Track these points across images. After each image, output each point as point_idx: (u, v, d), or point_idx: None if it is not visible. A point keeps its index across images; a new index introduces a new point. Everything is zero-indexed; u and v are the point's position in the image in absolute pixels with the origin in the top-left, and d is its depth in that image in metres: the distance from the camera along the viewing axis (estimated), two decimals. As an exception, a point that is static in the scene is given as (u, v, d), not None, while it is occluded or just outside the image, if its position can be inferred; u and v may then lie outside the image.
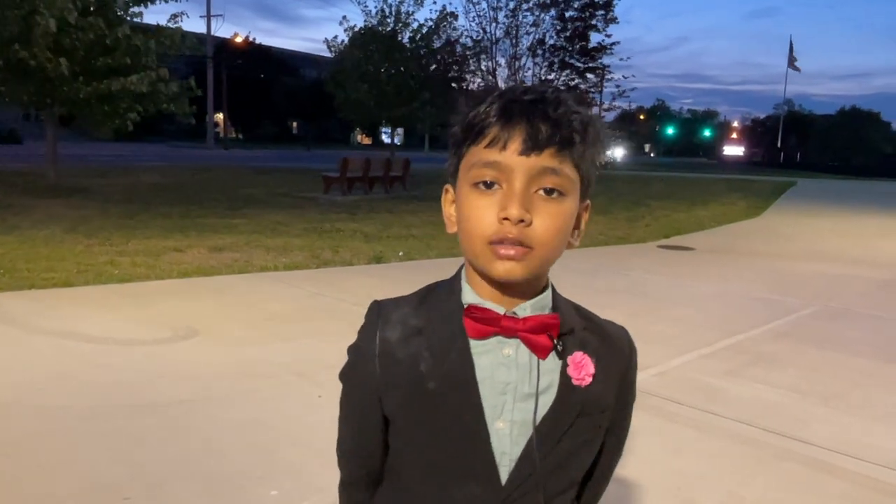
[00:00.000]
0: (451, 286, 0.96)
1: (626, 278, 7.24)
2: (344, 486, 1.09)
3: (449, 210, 0.95)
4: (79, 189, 13.54)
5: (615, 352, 0.99)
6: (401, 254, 7.92)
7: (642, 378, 4.01)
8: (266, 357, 4.14)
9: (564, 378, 0.91)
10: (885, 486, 2.89)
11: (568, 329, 0.93)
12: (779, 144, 62.15)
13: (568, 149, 0.85)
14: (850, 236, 11.90)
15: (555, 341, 0.90)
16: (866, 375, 4.33)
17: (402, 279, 6.41)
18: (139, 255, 7.02)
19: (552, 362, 0.91)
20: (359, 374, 0.97)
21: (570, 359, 0.92)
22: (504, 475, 0.90)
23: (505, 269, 0.85)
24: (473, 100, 0.90)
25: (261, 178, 19.59)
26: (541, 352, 0.90)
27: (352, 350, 0.99)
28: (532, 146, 0.83)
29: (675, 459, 3.06)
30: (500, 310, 0.90)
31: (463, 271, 0.95)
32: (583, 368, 0.92)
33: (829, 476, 2.95)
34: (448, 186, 0.95)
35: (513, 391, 0.90)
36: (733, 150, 78.56)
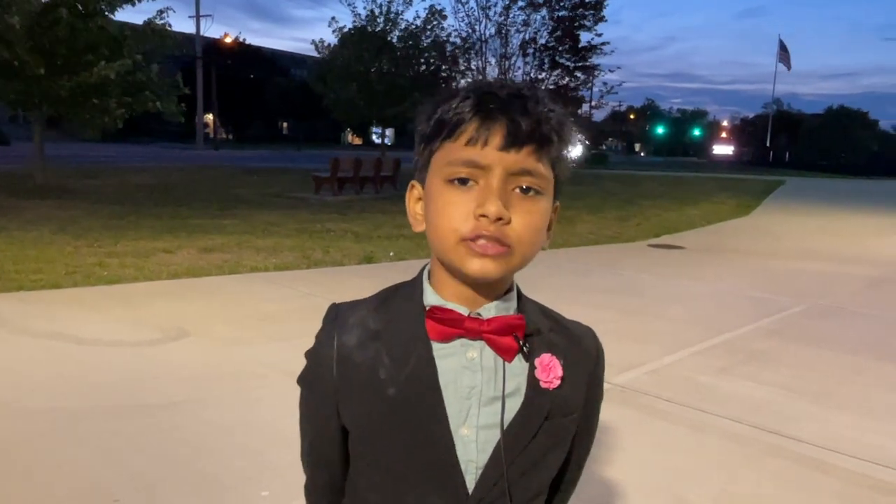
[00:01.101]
0: (412, 288, 0.92)
1: (617, 277, 7.25)
2: (307, 492, 1.06)
3: (415, 208, 0.91)
4: (67, 190, 13.45)
5: (582, 353, 0.95)
6: (391, 254, 7.91)
7: (634, 376, 4.02)
8: (257, 358, 4.12)
9: (532, 381, 0.88)
10: (876, 482, 2.90)
11: (534, 330, 0.89)
12: (768, 143, 62.45)
13: (546, 147, 0.82)
14: (839, 234, 11.97)
15: (520, 342, 0.87)
16: (856, 373, 4.36)
17: (393, 279, 6.32)
18: (128, 257, 6.97)
19: (518, 365, 0.88)
20: (316, 380, 0.94)
21: (537, 361, 0.88)
22: (470, 484, 0.86)
23: (480, 266, 0.81)
24: (441, 95, 0.87)
25: (251, 178, 19.52)
26: (506, 353, 0.86)
27: (309, 355, 0.95)
28: (513, 142, 0.80)
29: (667, 457, 3.07)
30: (464, 311, 0.86)
31: (425, 272, 0.92)
32: (551, 371, 0.88)
33: (819, 473, 2.96)
34: (414, 183, 0.91)
35: (478, 395, 0.86)
36: (723, 150, 78.83)
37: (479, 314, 0.87)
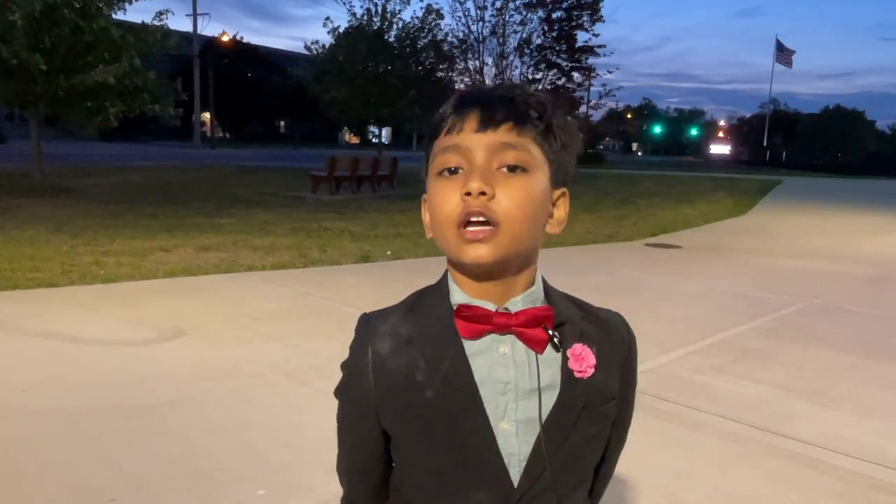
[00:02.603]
0: (438, 289, 0.93)
1: (613, 276, 7.26)
2: (347, 502, 1.07)
3: (425, 216, 0.94)
4: (64, 189, 13.42)
5: (614, 339, 0.97)
6: (388, 253, 7.91)
7: (630, 375, 4.03)
8: (253, 357, 4.11)
9: (566, 372, 0.89)
10: (871, 480, 2.91)
11: (563, 320, 0.90)
12: (765, 143, 62.58)
13: (525, 124, 0.84)
14: (835, 234, 12.00)
15: (551, 333, 0.88)
16: (852, 371, 4.37)
17: (390, 278, 6.40)
18: (125, 255, 6.97)
19: (551, 357, 0.89)
20: (354, 391, 0.95)
21: (569, 352, 0.89)
22: (515, 477, 0.87)
23: (474, 252, 0.83)
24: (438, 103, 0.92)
25: (248, 177, 19.51)
26: (537, 345, 0.87)
27: (345, 366, 0.96)
28: (487, 123, 0.84)
29: (663, 456, 3.07)
30: (492, 307, 0.87)
31: (449, 273, 0.93)
32: (584, 360, 0.89)
33: (814, 471, 2.97)
34: (425, 196, 0.94)
35: (513, 390, 0.87)
36: (720, 149, 78.99)
37: (506, 309, 0.88)
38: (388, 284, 6.02)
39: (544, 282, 0.94)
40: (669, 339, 4.86)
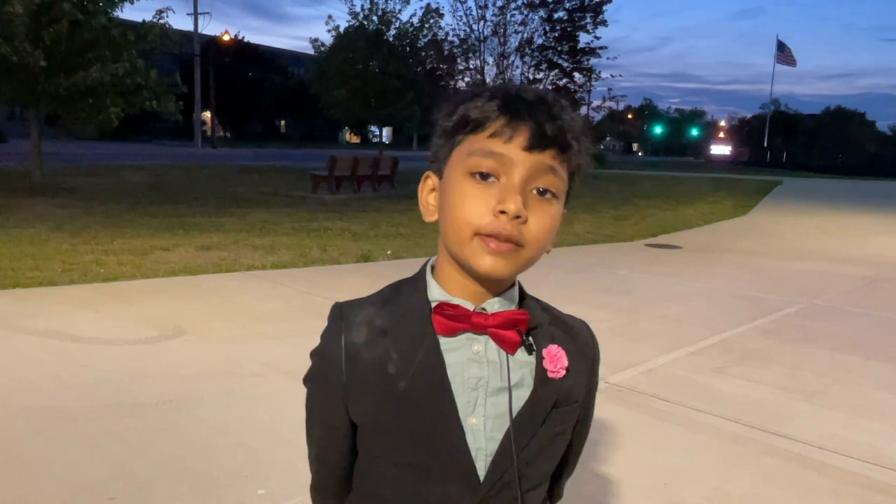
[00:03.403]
0: (415, 284, 0.94)
1: (613, 277, 7.26)
2: (314, 491, 1.08)
3: (427, 198, 0.94)
4: (64, 188, 13.42)
5: (581, 345, 0.99)
6: (389, 252, 7.92)
7: (630, 376, 4.04)
8: (253, 356, 4.12)
9: (540, 371, 0.91)
10: (869, 481, 2.91)
11: (536, 324, 0.93)
12: (765, 144, 62.52)
13: (567, 153, 0.85)
14: (835, 234, 12.00)
15: (523, 336, 0.90)
16: (850, 372, 4.37)
17: (390, 278, 6.32)
18: (125, 254, 6.97)
19: (522, 358, 0.91)
20: (324, 380, 0.95)
21: (545, 352, 0.92)
22: (482, 471, 0.89)
23: (491, 263, 0.83)
24: (463, 95, 0.89)
25: (249, 176, 19.50)
26: (509, 347, 0.89)
27: (315, 354, 0.96)
28: (538, 143, 0.83)
29: (662, 456, 3.08)
30: (470, 306, 0.89)
31: (428, 268, 0.94)
32: (558, 361, 0.92)
33: (813, 472, 2.98)
34: (429, 173, 0.93)
35: (484, 386, 0.89)
36: (720, 150, 78.90)
37: (483, 309, 0.89)
38: (388, 283, 6.01)
39: (520, 286, 0.95)
40: (669, 339, 4.86)
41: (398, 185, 17.67)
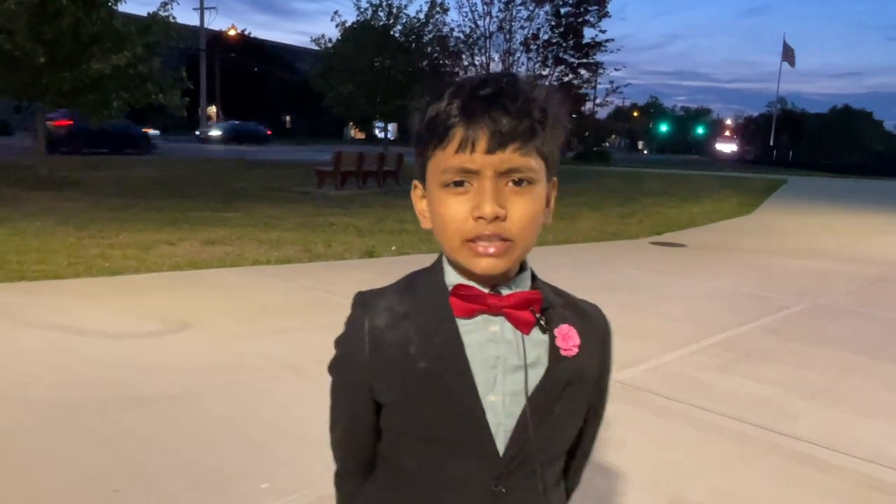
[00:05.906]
0: (433, 271, 0.98)
1: (618, 274, 7.26)
2: (339, 477, 1.10)
3: (421, 205, 0.98)
4: (70, 182, 13.46)
5: (593, 326, 1.02)
6: (393, 248, 7.92)
7: (633, 373, 4.04)
8: (257, 350, 4.13)
9: (553, 349, 0.94)
10: (872, 480, 2.91)
11: (548, 304, 0.96)
12: (771, 142, 62.29)
13: (531, 140, 0.87)
14: (840, 233, 11.96)
15: (537, 316, 0.93)
16: (855, 371, 4.36)
17: (395, 273, 6.31)
18: (130, 248, 6.99)
19: (537, 337, 0.94)
20: (348, 365, 0.99)
21: (557, 331, 0.95)
22: (501, 446, 0.92)
23: (487, 264, 0.88)
24: (433, 92, 0.91)
25: (254, 171, 19.52)
26: (524, 326, 0.92)
27: (339, 341, 1.00)
28: (498, 143, 0.85)
29: (665, 453, 3.08)
30: (485, 289, 0.93)
31: (444, 257, 0.97)
32: (570, 339, 0.95)
33: (816, 471, 2.97)
34: (416, 182, 0.98)
35: (502, 364, 0.92)
36: (726, 148, 78.71)
37: (498, 291, 0.93)
38: (392, 279, 5.97)
39: (532, 271, 0.98)
40: (673, 337, 4.86)
41: (403, 181, 17.65)
